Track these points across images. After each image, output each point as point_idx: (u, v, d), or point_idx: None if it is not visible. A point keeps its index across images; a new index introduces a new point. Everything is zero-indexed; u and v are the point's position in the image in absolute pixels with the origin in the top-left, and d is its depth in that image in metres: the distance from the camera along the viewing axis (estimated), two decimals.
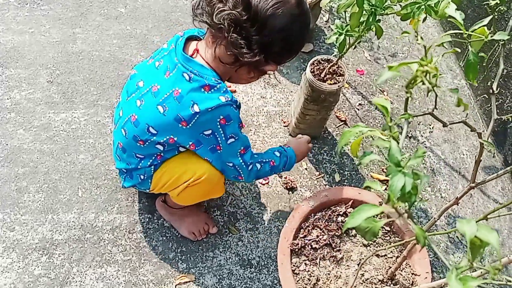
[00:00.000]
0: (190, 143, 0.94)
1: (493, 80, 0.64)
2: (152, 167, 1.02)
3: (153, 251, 1.16)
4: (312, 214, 1.04)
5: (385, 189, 1.35)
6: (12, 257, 1.10)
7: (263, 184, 1.32)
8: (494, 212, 0.65)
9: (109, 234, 1.17)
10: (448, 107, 1.62)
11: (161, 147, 0.97)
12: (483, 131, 1.53)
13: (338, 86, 1.18)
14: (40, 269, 1.09)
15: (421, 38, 0.40)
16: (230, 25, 0.82)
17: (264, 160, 1.03)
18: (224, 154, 0.96)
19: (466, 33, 0.50)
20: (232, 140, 0.94)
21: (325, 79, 1.19)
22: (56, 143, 1.30)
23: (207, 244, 1.19)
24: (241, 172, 0.99)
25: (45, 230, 1.15)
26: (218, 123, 0.90)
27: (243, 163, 0.98)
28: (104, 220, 1.19)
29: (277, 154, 1.07)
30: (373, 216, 0.43)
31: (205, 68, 0.90)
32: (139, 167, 1.02)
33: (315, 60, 1.22)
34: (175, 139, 0.93)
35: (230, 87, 1.47)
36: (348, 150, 1.44)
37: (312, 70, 1.19)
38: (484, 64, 1.49)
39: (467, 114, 1.54)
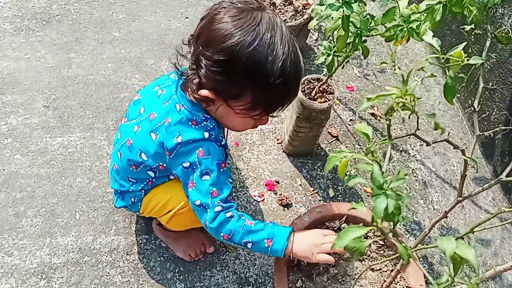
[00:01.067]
0: (173, 172, 0.96)
1: (473, 98, 0.67)
2: (143, 191, 1.05)
3: (151, 272, 1.17)
4: (307, 229, 1.05)
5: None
6: (10, 282, 1.10)
7: (257, 202, 1.34)
8: (483, 224, 0.67)
9: (107, 256, 1.18)
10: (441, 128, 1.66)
11: (152, 174, 0.99)
12: (468, 146, 1.56)
13: (329, 104, 1.21)
14: None
15: (398, 68, 0.43)
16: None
17: (242, 217, 0.92)
18: (195, 191, 0.91)
19: (443, 57, 0.53)
20: (207, 177, 0.90)
21: (315, 97, 1.23)
22: (53, 167, 1.31)
23: (205, 263, 1.20)
24: (208, 214, 0.90)
25: (43, 254, 1.16)
26: (196, 155, 0.89)
27: (211, 204, 0.90)
28: (102, 242, 1.20)
29: (266, 223, 0.93)
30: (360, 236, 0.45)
31: (195, 105, 0.91)
32: (130, 190, 1.05)
33: (305, 80, 1.25)
34: (165, 165, 0.96)
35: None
36: None
37: (302, 89, 1.23)
38: (463, 84, 1.53)
39: (448, 133, 1.58)
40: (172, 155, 0.91)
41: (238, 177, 1.38)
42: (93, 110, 1.46)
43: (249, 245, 0.91)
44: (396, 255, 0.91)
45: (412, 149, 1.56)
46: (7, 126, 1.38)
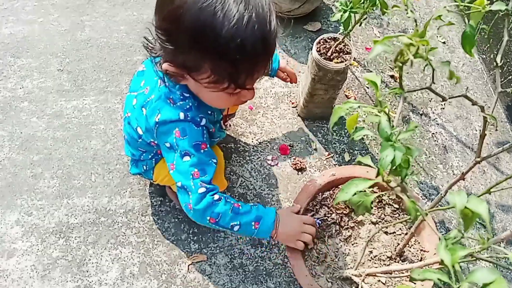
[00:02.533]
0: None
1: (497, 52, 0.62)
2: (153, 160, 1.05)
3: (166, 232, 1.19)
4: (320, 194, 1.04)
5: None
6: (31, 240, 1.14)
7: (272, 166, 1.32)
8: (501, 185, 0.64)
9: (122, 217, 1.20)
10: (461, 83, 1.58)
11: (155, 145, 0.97)
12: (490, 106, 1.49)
13: (345, 64, 1.16)
14: (57, 251, 1.13)
15: (411, 11, 0.39)
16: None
17: (228, 199, 0.88)
18: (176, 172, 0.87)
19: (462, 5, 0.48)
20: (187, 158, 0.85)
21: (331, 57, 1.18)
22: (69, 130, 1.33)
23: None
24: (190, 196, 0.85)
25: (61, 215, 1.19)
26: (174, 136, 0.85)
27: (192, 186, 0.85)
28: (117, 203, 1.22)
29: (252, 204, 0.93)
30: (366, 190, 0.43)
31: (173, 82, 0.85)
32: (141, 158, 1.06)
33: (321, 39, 1.20)
34: (156, 142, 0.93)
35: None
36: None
37: (318, 49, 1.18)
38: (488, 45, 1.44)
39: (467, 87, 1.51)
40: (155, 133, 0.88)
41: (252, 141, 1.36)
42: (106, 73, 1.45)
43: (236, 228, 0.88)
44: (409, 217, 0.89)
45: (433, 113, 1.50)
46: (23, 90, 1.39)
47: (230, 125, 1.38)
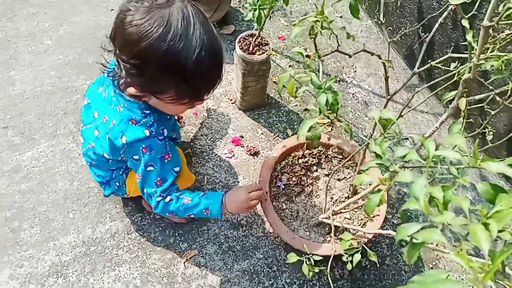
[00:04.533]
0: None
1: (379, 13, 0.84)
2: (124, 174, 1.16)
3: (154, 242, 1.29)
4: (278, 164, 1.22)
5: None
6: None
7: (230, 158, 1.48)
8: (408, 110, 0.85)
9: (110, 241, 1.29)
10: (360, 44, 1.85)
11: (123, 162, 1.08)
12: (392, 60, 1.78)
13: (267, 54, 1.35)
14: None
15: None
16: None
17: (180, 196, 1.02)
18: (141, 182, 1.01)
19: None
20: (151, 168, 0.98)
21: (254, 51, 1.36)
22: (32, 180, 1.38)
23: (199, 220, 1.34)
24: (152, 200, 1.02)
25: (51, 257, 1.25)
26: (141, 151, 0.97)
27: (154, 193, 1.00)
28: (102, 230, 1.30)
29: (201, 194, 1.05)
30: (314, 127, 0.61)
31: (132, 102, 0.95)
32: (113, 177, 1.16)
33: (240, 38, 1.38)
34: (125, 157, 1.04)
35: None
36: (293, 108, 1.63)
37: (241, 47, 1.36)
38: (374, 2, 1.72)
39: (364, 43, 1.78)
40: (122, 151, 1.00)
41: (206, 142, 1.51)
42: (51, 119, 1.51)
43: (192, 216, 1.05)
44: (349, 156, 1.09)
45: (348, 77, 1.75)
46: None
47: (184, 122, 1.52)
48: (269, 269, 1.28)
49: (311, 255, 0.92)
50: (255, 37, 1.37)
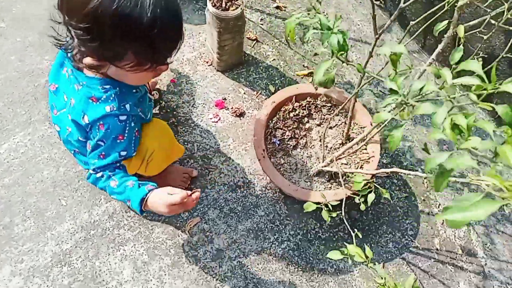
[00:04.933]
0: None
1: None
2: None
3: (154, 216, 1.28)
4: (270, 121, 1.21)
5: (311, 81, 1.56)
6: (36, 282, 1.17)
7: (216, 122, 1.45)
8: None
9: (110, 222, 1.26)
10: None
11: (102, 143, 1.00)
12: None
13: (241, 8, 1.30)
14: (67, 278, 1.18)
15: None
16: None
17: (110, 175, 0.97)
18: (89, 151, 0.97)
19: None
20: (101, 143, 0.95)
21: (227, 7, 1.31)
22: (15, 172, 1.31)
23: (196, 188, 1.33)
24: (89, 171, 1.00)
25: (52, 247, 1.21)
26: (97, 127, 0.93)
27: (92, 165, 0.97)
28: (98, 213, 1.27)
29: (129, 183, 0.96)
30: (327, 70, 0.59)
31: (92, 78, 0.90)
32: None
33: None
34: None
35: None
36: (272, 62, 1.60)
37: (213, 4, 1.30)
38: None
39: None
40: (88, 131, 0.95)
41: (189, 109, 1.47)
42: (22, 106, 1.42)
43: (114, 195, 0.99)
44: (342, 105, 1.09)
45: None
46: None
47: (156, 93, 1.46)
48: (272, 224, 1.30)
49: (326, 201, 0.92)
50: None
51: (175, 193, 0.92)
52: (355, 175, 0.94)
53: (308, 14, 0.58)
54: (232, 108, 1.48)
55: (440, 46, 0.71)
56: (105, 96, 0.90)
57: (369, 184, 0.85)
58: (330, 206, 0.89)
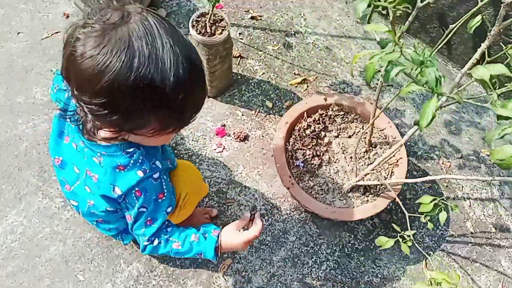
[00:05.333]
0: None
1: None
2: None
3: (183, 268, 1.19)
4: (287, 143, 1.14)
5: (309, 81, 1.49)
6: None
7: (221, 151, 1.36)
8: None
9: (137, 287, 1.15)
10: None
11: (144, 209, 0.91)
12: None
13: (227, 30, 1.21)
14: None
15: None
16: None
17: (167, 238, 0.92)
18: (132, 222, 0.90)
19: None
20: (143, 210, 0.87)
21: (213, 32, 1.22)
22: (17, 257, 1.17)
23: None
24: (141, 242, 0.92)
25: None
26: (134, 195, 0.84)
27: (143, 236, 0.90)
28: (122, 280, 1.16)
29: (192, 238, 0.92)
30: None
31: (110, 147, 0.80)
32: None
33: (192, 21, 1.22)
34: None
35: None
36: (262, 76, 1.52)
37: (198, 31, 1.20)
38: None
39: None
40: (122, 201, 0.86)
41: (190, 144, 1.37)
42: (6, 180, 1.27)
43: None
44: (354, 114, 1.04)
45: (301, 27, 1.66)
46: None
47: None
48: (306, 248, 1.24)
49: (402, 233, 0.85)
50: (208, 16, 1.22)
51: (242, 224, 0.95)
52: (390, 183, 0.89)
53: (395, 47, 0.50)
54: (234, 133, 1.39)
55: (486, 42, 0.66)
56: (133, 161, 0.81)
57: (442, 203, 0.79)
58: (406, 236, 0.83)
